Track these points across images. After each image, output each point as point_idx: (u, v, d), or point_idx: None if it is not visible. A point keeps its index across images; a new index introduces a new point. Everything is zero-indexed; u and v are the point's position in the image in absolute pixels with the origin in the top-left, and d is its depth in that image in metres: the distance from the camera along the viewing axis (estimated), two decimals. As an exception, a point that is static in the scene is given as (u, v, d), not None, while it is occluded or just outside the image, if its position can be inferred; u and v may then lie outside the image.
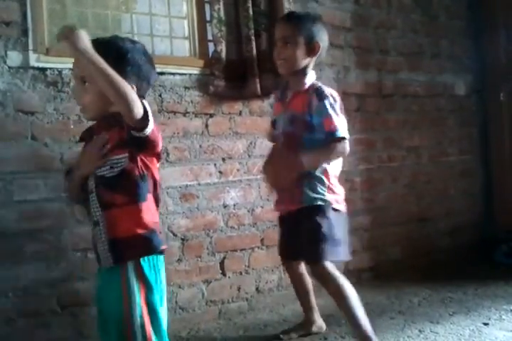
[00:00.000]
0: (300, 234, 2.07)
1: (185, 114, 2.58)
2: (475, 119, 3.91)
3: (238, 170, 2.72)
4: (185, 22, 2.70)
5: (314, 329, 2.36)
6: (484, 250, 3.56)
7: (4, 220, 2.11)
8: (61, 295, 2.21)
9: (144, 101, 1.44)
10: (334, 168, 2.10)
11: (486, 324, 2.41)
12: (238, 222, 2.71)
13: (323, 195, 2.05)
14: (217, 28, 2.61)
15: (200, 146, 2.62)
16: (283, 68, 2.10)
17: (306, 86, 2.09)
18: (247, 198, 2.74)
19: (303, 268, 2.30)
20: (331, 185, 2.07)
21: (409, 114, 3.51)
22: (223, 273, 2.65)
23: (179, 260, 2.52)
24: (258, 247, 2.76)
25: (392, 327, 2.41)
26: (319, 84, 2.10)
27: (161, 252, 1.52)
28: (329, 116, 1.97)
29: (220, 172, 2.67)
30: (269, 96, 2.80)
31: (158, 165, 1.56)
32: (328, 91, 2.05)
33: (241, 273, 2.71)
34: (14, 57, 2.14)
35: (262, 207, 2.77)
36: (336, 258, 2.07)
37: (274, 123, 2.25)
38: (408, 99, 3.51)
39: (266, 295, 2.77)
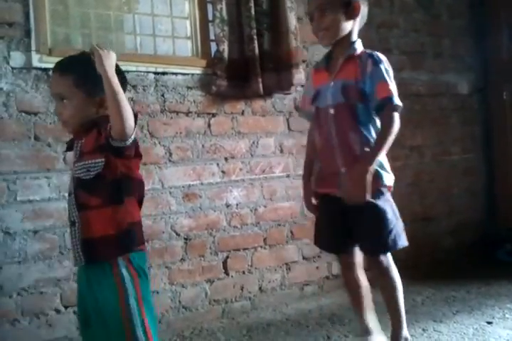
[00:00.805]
0: (362, 221, 1.88)
1: (187, 113, 2.58)
2: (477, 118, 3.90)
3: (241, 169, 2.73)
4: (188, 22, 2.71)
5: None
6: (487, 249, 3.55)
7: (8, 220, 2.12)
8: (64, 295, 2.23)
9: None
10: None
11: (489, 323, 2.41)
12: (241, 221, 2.71)
13: (383, 178, 1.87)
14: (220, 27, 2.61)
15: (203, 146, 2.62)
16: (326, 39, 1.92)
17: (358, 51, 1.91)
18: (250, 198, 2.74)
19: (361, 268, 2.03)
20: (385, 163, 1.90)
21: (412, 113, 3.50)
22: (226, 273, 2.65)
23: (182, 259, 2.52)
24: (261, 246, 2.77)
25: (395, 326, 2.41)
26: (371, 50, 1.92)
27: (140, 250, 1.55)
28: (384, 82, 1.81)
29: (223, 171, 2.67)
30: (272, 96, 2.80)
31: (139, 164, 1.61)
32: (383, 56, 1.89)
33: (244, 273, 2.71)
34: (17, 58, 2.16)
35: (264, 206, 2.78)
36: (403, 245, 1.94)
37: (316, 96, 1.97)
38: (411, 98, 3.50)
39: (269, 295, 2.77)
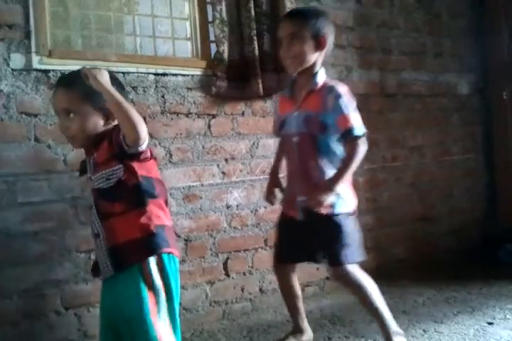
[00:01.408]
0: (320, 237, 2.01)
1: (187, 114, 2.58)
2: (478, 118, 3.90)
3: (241, 170, 2.73)
4: (188, 23, 2.70)
5: (305, 338, 2.26)
6: (488, 249, 3.54)
7: (8, 222, 2.12)
8: (65, 296, 2.22)
9: None
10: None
11: (490, 323, 2.41)
12: (241, 222, 2.71)
13: (347, 198, 2.03)
14: (220, 28, 2.61)
15: (203, 147, 2.62)
16: (292, 66, 2.03)
17: (320, 84, 2.03)
18: (250, 199, 2.74)
19: (295, 273, 2.26)
20: (351, 188, 2.07)
21: (413, 114, 3.51)
22: (227, 274, 2.65)
23: (183, 261, 2.52)
24: (261, 248, 2.76)
25: (396, 327, 2.41)
26: (332, 82, 2.05)
27: (169, 253, 1.53)
28: (344, 115, 1.93)
29: (223, 172, 2.67)
30: (272, 97, 2.80)
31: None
32: (342, 89, 2.00)
33: (244, 274, 2.71)
34: (17, 60, 2.15)
35: (265, 207, 2.78)
36: (357, 259, 2.05)
37: (282, 124, 2.14)
38: (411, 99, 3.51)
39: (269, 296, 2.77)
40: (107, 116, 1.56)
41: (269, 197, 2.23)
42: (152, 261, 1.48)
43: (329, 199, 1.91)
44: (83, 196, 2.26)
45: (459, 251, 3.57)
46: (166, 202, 1.60)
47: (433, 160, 3.60)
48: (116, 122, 1.57)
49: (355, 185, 3.09)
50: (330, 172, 1.99)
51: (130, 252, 1.48)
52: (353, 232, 2.02)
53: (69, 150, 2.25)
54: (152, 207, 1.52)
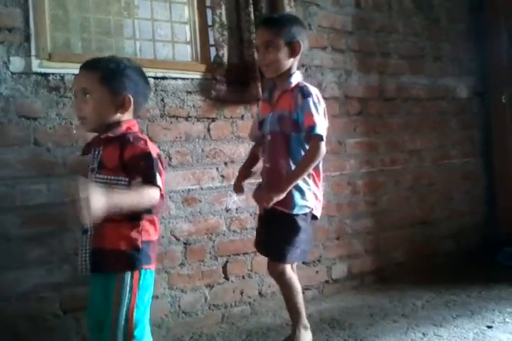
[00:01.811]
0: (276, 233, 2.11)
1: (187, 118, 2.58)
2: (477, 122, 3.91)
3: (240, 174, 2.72)
4: (187, 27, 2.71)
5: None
6: (487, 252, 3.55)
7: (7, 225, 2.12)
8: (64, 299, 2.22)
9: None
10: (321, 169, 2.15)
11: (489, 327, 2.40)
12: (240, 225, 2.71)
13: (308, 201, 2.10)
14: (219, 32, 2.62)
15: (203, 150, 2.62)
16: (268, 72, 2.14)
17: (292, 85, 2.12)
18: (250, 202, 2.73)
19: (294, 269, 2.28)
20: (316, 191, 2.13)
21: (412, 117, 3.51)
22: (226, 277, 2.65)
23: (182, 264, 2.52)
24: (261, 251, 2.76)
25: (395, 330, 2.41)
26: (305, 83, 2.14)
27: (149, 269, 1.60)
28: (309, 112, 2.01)
29: (223, 176, 2.67)
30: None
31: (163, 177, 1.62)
32: (313, 90, 2.09)
33: (244, 277, 2.71)
34: (17, 63, 2.16)
35: (264, 210, 2.77)
36: (296, 260, 2.20)
37: (261, 124, 2.24)
38: (410, 102, 3.52)
39: (269, 299, 2.77)
40: (122, 105, 1.59)
41: (236, 188, 2.32)
42: (129, 275, 1.54)
43: (275, 198, 1.97)
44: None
45: (458, 255, 3.57)
46: (158, 216, 1.66)
47: (432, 164, 3.61)
48: (129, 115, 1.62)
49: (354, 189, 3.13)
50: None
51: (113, 261, 1.53)
52: (303, 233, 2.08)
53: (68, 154, 2.25)
54: (145, 223, 1.56)
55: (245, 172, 2.33)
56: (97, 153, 1.59)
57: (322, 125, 2.02)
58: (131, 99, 1.61)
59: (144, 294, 1.59)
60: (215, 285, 2.62)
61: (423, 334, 2.35)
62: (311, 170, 2.06)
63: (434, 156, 3.62)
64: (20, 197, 2.14)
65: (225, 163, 2.69)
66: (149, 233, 1.58)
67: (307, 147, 2.06)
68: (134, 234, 1.53)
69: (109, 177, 1.53)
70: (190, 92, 2.59)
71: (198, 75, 2.62)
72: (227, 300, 2.65)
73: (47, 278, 2.18)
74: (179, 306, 2.51)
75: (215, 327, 2.56)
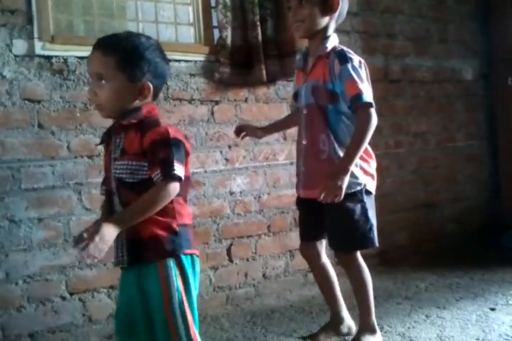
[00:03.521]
0: (331, 220, 1.93)
1: (190, 101, 2.57)
2: (482, 104, 3.88)
3: (244, 157, 2.72)
4: (190, 8, 2.68)
5: (344, 330, 2.11)
6: (491, 235, 3.55)
7: (13, 208, 2.13)
8: (70, 282, 2.24)
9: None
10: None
11: (492, 309, 2.42)
12: (245, 208, 2.72)
13: (358, 178, 1.87)
14: (223, 13, 2.59)
15: (206, 133, 2.62)
16: (300, 31, 1.90)
17: (328, 49, 1.88)
18: (254, 185, 2.75)
19: (325, 255, 2.12)
20: (365, 165, 1.90)
21: (417, 100, 3.49)
22: (230, 260, 2.67)
23: (186, 247, 2.53)
24: (265, 234, 2.77)
25: (398, 312, 2.42)
26: (342, 47, 1.90)
27: (190, 254, 1.46)
28: (351, 80, 1.78)
29: (226, 159, 2.67)
30: (275, 83, 2.79)
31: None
32: (352, 54, 1.87)
33: (248, 260, 2.72)
34: (20, 46, 2.14)
35: (268, 193, 2.78)
36: (368, 246, 1.97)
37: (296, 96, 2.03)
38: (415, 85, 3.49)
39: (273, 281, 2.78)
40: (140, 91, 1.45)
41: (238, 128, 2.24)
42: (172, 262, 1.41)
43: (342, 184, 1.74)
44: (87, 182, 2.27)
45: (461, 238, 3.58)
46: (186, 199, 1.52)
47: (437, 147, 3.59)
48: (149, 99, 1.49)
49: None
50: (341, 147, 1.87)
51: (151, 249, 1.41)
52: (370, 212, 1.91)
53: (72, 137, 2.25)
54: (175, 205, 1.44)
55: (266, 127, 2.28)
56: (118, 141, 1.46)
57: (368, 91, 1.81)
58: (151, 86, 1.46)
59: (194, 280, 1.46)
60: (220, 267, 2.64)
61: (426, 316, 2.37)
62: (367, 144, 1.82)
63: (439, 139, 3.61)
64: (25, 180, 2.15)
65: (229, 146, 2.68)
66: (182, 215, 1.45)
67: (346, 120, 1.87)
68: (167, 218, 1.41)
69: (130, 162, 1.41)
70: (193, 75, 2.58)
71: (201, 57, 2.60)
72: (232, 282, 2.67)
73: (53, 261, 2.20)
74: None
75: (219, 308, 2.58)
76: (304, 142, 1.97)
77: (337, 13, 1.90)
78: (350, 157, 1.78)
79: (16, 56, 2.14)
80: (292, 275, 2.84)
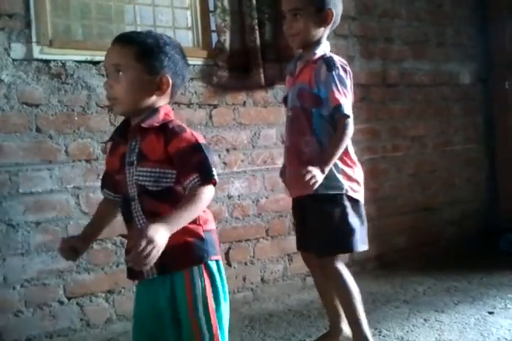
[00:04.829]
0: (310, 223, 1.93)
1: (189, 105, 2.57)
2: (480, 108, 3.89)
3: (242, 160, 2.72)
4: (188, 12, 2.69)
5: (341, 340, 2.06)
6: (489, 239, 3.55)
7: (10, 212, 2.12)
8: (67, 286, 2.24)
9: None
10: (350, 149, 1.94)
11: (491, 313, 2.41)
12: (243, 212, 2.72)
13: (340, 181, 1.88)
14: (221, 17, 2.60)
15: (205, 137, 2.59)
16: (295, 43, 1.94)
17: (316, 56, 1.90)
18: (252, 189, 2.74)
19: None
20: (348, 170, 1.91)
21: (414, 104, 3.50)
22: (228, 264, 2.66)
23: (184, 250, 2.53)
24: (263, 238, 2.77)
25: (397, 316, 2.42)
26: (331, 54, 1.92)
27: (216, 260, 1.42)
28: (334, 90, 1.81)
29: (225, 163, 2.67)
30: (273, 87, 2.79)
31: None
32: (340, 62, 1.88)
33: (246, 264, 2.72)
34: (18, 50, 2.15)
35: (266, 197, 2.78)
36: (345, 251, 1.96)
37: (285, 100, 2.05)
38: (413, 89, 3.50)
39: (271, 285, 2.78)
40: (159, 87, 1.37)
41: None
42: (199, 269, 1.36)
43: (319, 178, 1.75)
44: (85, 186, 2.27)
45: (459, 241, 3.58)
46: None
47: (434, 150, 3.60)
48: (166, 99, 1.42)
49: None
50: (323, 150, 1.88)
51: (180, 257, 1.35)
52: (350, 217, 1.89)
53: (70, 141, 2.25)
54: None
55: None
56: (134, 144, 1.38)
57: (348, 103, 1.83)
58: (170, 81, 1.38)
59: (223, 286, 1.41)
60: (218, 271, 2.63)
61: (425, 320, 2.37)
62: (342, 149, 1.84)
63: (437, 143, 3.61)
64: (22, 184, 2.15)
65: (227, 150, 2.68)
66: (207, 221, 1.43)
67: (328, 124, 1.88)
68: (192, 224, 1.36)
69: (153, 170, 1.34)
70: (191, 79, 2.58)
71: (199, 61, 2.61)
72: (230, 286, 2.62)
73: (51, 265, 2.19)
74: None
75: (217, 312, 2.57)
76: (288, 144, 2.00)
77: (331, 25, 1.93)
78: (325, 160, 1.81)
79: (14, 60, 2.14)
80: (291, 279, 2.83)
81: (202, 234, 1.38)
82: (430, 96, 3.58)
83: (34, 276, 2.17)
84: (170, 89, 1.40)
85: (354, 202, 1.92)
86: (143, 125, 1.36)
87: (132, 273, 1.40)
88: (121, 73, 1.36)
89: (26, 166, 2.16)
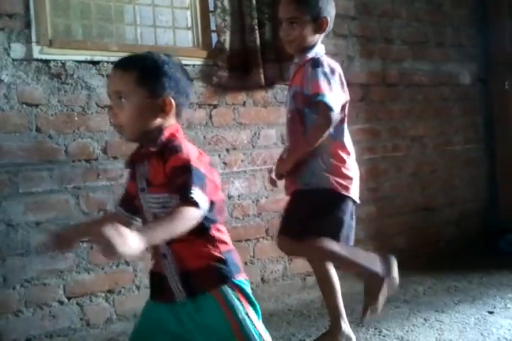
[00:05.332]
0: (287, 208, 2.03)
1: (189, 105, 2.57)
2: (480, 108, 3.89)
3: (242, 160, 2.72)
4: (188, 12, 2.69)
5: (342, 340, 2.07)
6: (489, 239, 3.56)
7: (10, 212, 2.12)
8: (67, 286, 2.23)
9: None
10: (346, 143, 1.98)
11: (491, 312, 2.42)
12: (243, 212, 2.71)
13: (322, 176, 1.92)
14: (221, 17, 2.60)
15: (204, 137, 2.62)
16: (291, 49, 2.02)
17: (307, 58, 1.97)
18: (252, 189, 2.74)
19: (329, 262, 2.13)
20: (333, 164, 1.93)
21: (414, 104, 3.50)
22: (228, 264, 2.66)
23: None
24: (263, 237, 2.77)
25: (397, 315, 2.42)
26: (321, 55, 1.98)
27: (240, 278, 1.41)
28: (316, 81, 1.85)
29: (225, 163, 2.67)
30: (273, 87, 2.79)
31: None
32: (326, 61, 1.93)
33: (246, 264, 2.72)
34: (18, 50, 2.15)
35: (266, 197, 2.78)
36: (313, 235, 1.93)
37: (285, 103, 2.14)
38: (413, 89, 3.50)
39: (271, 285, 2.78)
40: (162, 108, 1.37)
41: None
42: (228, 289, 1.36)
43: (282, 170, 1.97)
44: (85, 186, 2.27)
45: (459, 241, 3.58)
46: (222, 223, 1.45)
47: (434, 150, 3.60)
48: (172, 119, 1.41)
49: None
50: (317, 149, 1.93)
51: (202, 280, 1.35)
52: (316, 210, 1.93)
53: (70, 141, 2.25)
54: (214, 232, 1.39)
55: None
56: (142, 168, 1.38)
57: (331, 95, 1.84)
58: (172, 102, 1.38)
59: (255, 305, 1.41)
60: (218, 271, 2.63)
61: (425, 319, 2.37)
62: (319, 142, 1.87)
63: (437, 143, 3.62)
64: (22, 184, 2.15)
65: (227, 150, 2.68)
66: (224, 242, 1.41)
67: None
68: (210, 247, 1.36)
69: (157, 195, 1.35)
70: (191, 79, 2.57)
71: (199, 61, 2.61)
72: (230, 287, 2.66)
73: (51, 265, 2.19)
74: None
75: (217, 312, 2.57)
76: (288, 144, 2.07)
77: (326, 32, 2.00)
78: (293, 152, 1.96)
79: (13, 60, 2.14)
80: (291, 279, 2.83)
81: (221, 256, 1.38)
82: (430, 97, 3.58)
83: (34, 276, 2.16)
84: (174, 109, 1.39)
85: (341, 198, 1.95)
86: (141, 152, 1.39)
87: (160, 295, 1.40)
88: (123, 100, 1.35)
89: (26, 166, 2.16)
